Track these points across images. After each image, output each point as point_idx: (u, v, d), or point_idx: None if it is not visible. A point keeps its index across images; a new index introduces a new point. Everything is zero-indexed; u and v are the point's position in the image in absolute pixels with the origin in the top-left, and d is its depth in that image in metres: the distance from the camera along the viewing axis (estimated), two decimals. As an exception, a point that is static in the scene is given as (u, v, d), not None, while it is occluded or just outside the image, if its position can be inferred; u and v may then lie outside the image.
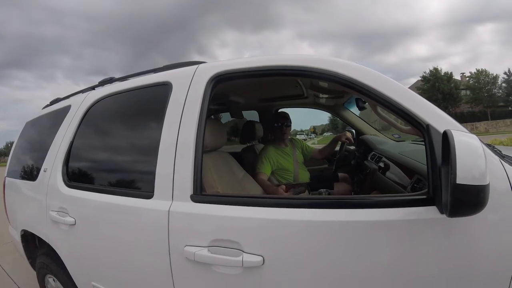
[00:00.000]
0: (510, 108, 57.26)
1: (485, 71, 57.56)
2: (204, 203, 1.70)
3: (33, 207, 2.81)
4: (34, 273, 3.15)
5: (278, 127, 3.72)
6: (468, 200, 1.14)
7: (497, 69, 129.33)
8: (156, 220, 1.78)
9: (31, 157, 3.17)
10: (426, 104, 1.52)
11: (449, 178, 1.15)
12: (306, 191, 3.29)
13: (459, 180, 1.11)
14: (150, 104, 2.22)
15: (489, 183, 1.14)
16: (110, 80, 2.69)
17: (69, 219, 2.25)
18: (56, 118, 2.85)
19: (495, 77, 57.13)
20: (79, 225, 2.23)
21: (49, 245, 2.59)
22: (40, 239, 2.82)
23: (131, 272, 2.03)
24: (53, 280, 2.86)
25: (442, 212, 1.28)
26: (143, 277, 1.96)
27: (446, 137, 1.22)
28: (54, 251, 2.52)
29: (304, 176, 3.78)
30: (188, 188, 1.72)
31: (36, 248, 3.10)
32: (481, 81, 56.79)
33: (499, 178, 1.39)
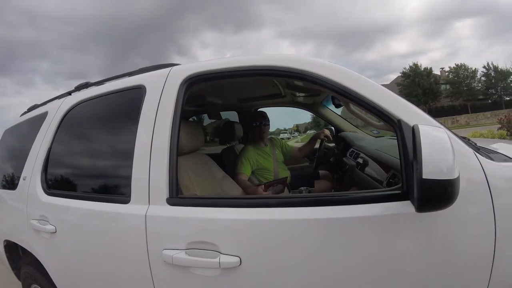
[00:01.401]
0: (489, 101, 58.12)
1: (464, 65, 58.32)
2: (180, 205, 1.71)
3: (14, 217, 2.79)
4: (20, 284, 3.12)
5: (256, 127, 3.73)
6: (435, 195, 1.16)
7: (476, 63, 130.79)
8: (133, 225, 1.79)
9: (11, 165, 3.14)
10: (397, 99, 1.54)
11: (415, 173, 1.17)
12: (286, 188, 3.31)
13: (425, 175, 1.13)
14: (125, 108, 2.23)
15: (458, 177, 1.16)
16: (86, 85, 2.69)
17: (50, 227, 2.24)
18: (33, 125, 2.84)
19: (474, 71, 57.93)
20: (59, 233, 2.22)
21: (32, 254, 2.57)
22: (23, 249, 2.80)
23: (113, 277, 2.03)
24: (39, 289, 2.84)
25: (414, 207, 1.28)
26: (125, 282, 1.97)
27: (414, 132, 1.23)
28: (38, 260, 2.50)
29: (285, 175, 3.75)
30: (164, 192, 1.73)
31: (20, 258, 3.06)
32: (460, 75, 57.49)
33: (474, 171, 1.41)
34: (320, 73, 1.63)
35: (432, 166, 1.14)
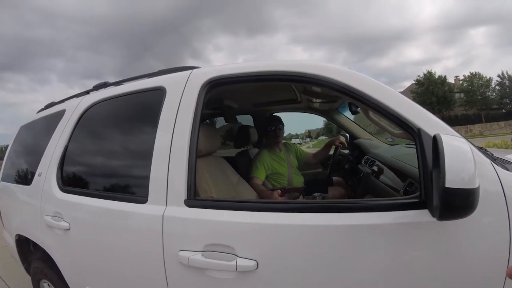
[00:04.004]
0: (503, 111, 57.71)
1: (479, 74, 57.97)
2: (197, 207, 1.71)
3: (27, 212, 2.81)
4: (29, 278, 3.14)
5: (271, 131, 3.74)
6: (457, 203, 1.15)
7: (491, 72, 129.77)
8: (150, 225, 1.78)
9: (26, 161, 3.17)
10: (417, 108, 1.53)
11: (438, 181, 1.16)
12: (301, 196, 3.30)
13: (448, 184, 1.12)
14: (144, 109, 2.23)
15: (478, 187, 1.15)
16: (105, 85, 2.70)
17: (64, 224, 2.25)
18: (50, 123, 2.85)
19: (489, 80, 57.60)
20: (73, 230, 2.23)
21: (43, 249, 2.58)
22: (34, 244, 2.81)
23: (125, 276, 2.03)
24: (48, 285, 2.86)
25: (433, 216, 1.28)
26: (138, 282, 1.97)
27: (435, 141, 1.23)
28: (49, 255, 2.51)
29: (298, 180, 3.79)
30: (182, 193, 1.73)
31: (30, 253, 3.09)
32: (474, 84, 57.15)
33: (491, 181, 1.40)
34: (344, 81, 1.63)
35: (455, 175, 1.13)
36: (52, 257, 2.49)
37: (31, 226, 2.76)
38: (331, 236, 1.49)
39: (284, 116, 3.95)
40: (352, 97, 1.66)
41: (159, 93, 2.03)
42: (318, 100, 4.18)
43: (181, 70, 2.10)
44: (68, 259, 2.38)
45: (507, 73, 57.06)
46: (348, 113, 4.37)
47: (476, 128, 50.53)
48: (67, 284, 2.44)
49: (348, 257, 1.47)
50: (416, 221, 1.39)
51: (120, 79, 2.62)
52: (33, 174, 2.77)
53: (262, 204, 1.92)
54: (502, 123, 49.68)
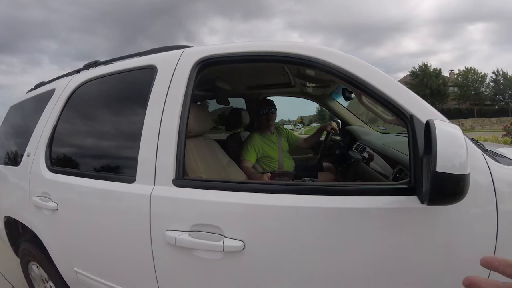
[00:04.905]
0: (496, 107, 58.18)
1: (474, 69, 58.38)
2: (186, 187, 1.69)
3: (16, 193, 2.79)
4: (18, 260, 3.13)
5: (263, 114, 3.73)
6: (448, 188, 1.14)
7: (486, 68, 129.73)
8: (138, 205, 1.77)
9: (15, 142, 3.14)
10: (411, 95, 1.52)
11: (429, 166, 1.16)
12: (291, 180, 3.30)
13: (439, 168, 1.12)
14: (134, 87, 2.20)
15: (469, 173, 1.15)
16: (95, 64, 2.66)
17: (52, 204, 2.23)
18: (40, 102, 2.82)
19: (483, 76, 58.02)
20: (61, 210, 2.21)
21: (32, 231, 2.57)
22: (23, 226, 2.80)
23: (113, 256, 2.02)
24: (37, 267, 2.85)
25: (422, 202, 1.28)
26: (125, 262, 1.96)
27: (428, 127, 1.22)
28: (37, 237, 2.50)
29: (289, 164, 3.80)
30: (170, 173, 1.71)
31: (19, 235, 3.07)
32: (469, 79, 57.56)
33: (481, 172, 1.40)
34: (339, 65, 1.61)
35: (446, 160, 1.12)
36: (40, 238, 2.47)
37: (19, 208, 2.74)
38: (319, 218, 1.49)
39: (276, 102, 3.94)
40: (346, 81, 1.64)
41: (150, 71, 2.00)
42: (311, 85, 4.19)
43: (174, 49, 2.07)
44: (55, 240, 2.37)
45: (502, 70, 57.65)
46: (341, 99, 4.38)
47: (468, 122, 50.83)
48: (55, 265, 2.43)
49: (336, 240, 1.47)
50: (405, 207, 1.39)
51: (112, 58, 2.59)
52: (21, 155, 2.74)
53: (251, 185, 1.91)
54: (494, 119, 50.07)
